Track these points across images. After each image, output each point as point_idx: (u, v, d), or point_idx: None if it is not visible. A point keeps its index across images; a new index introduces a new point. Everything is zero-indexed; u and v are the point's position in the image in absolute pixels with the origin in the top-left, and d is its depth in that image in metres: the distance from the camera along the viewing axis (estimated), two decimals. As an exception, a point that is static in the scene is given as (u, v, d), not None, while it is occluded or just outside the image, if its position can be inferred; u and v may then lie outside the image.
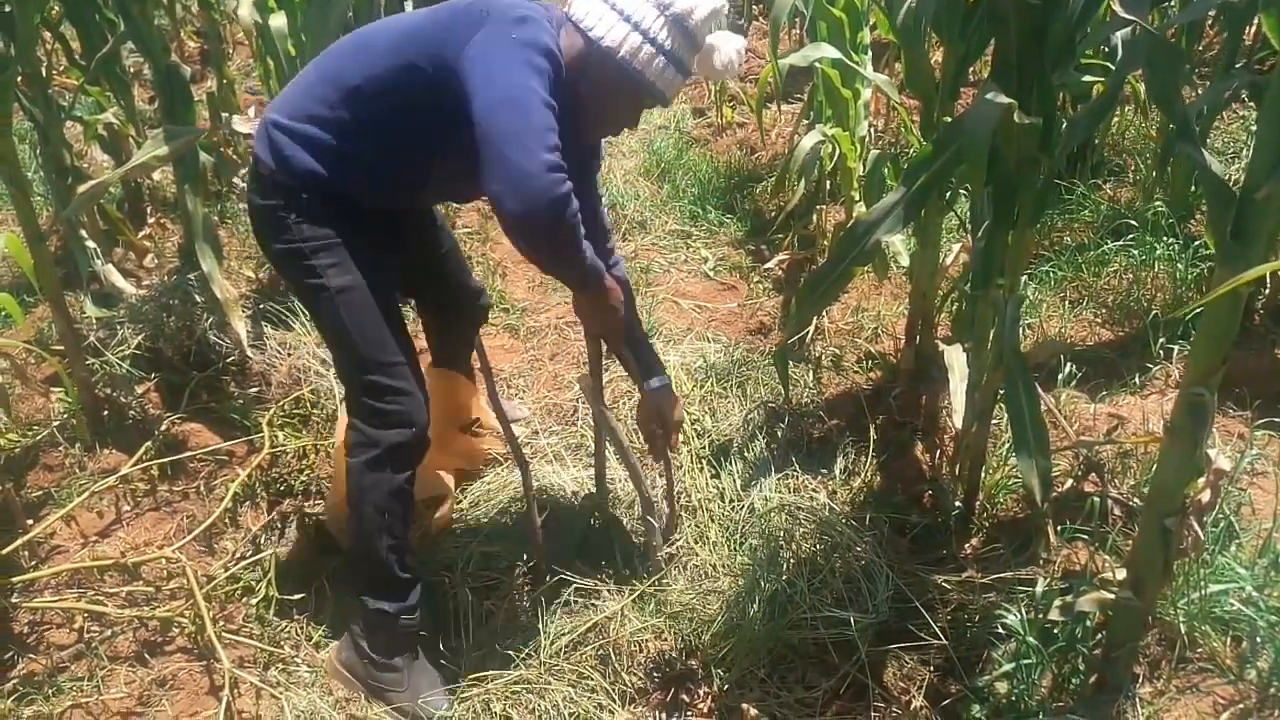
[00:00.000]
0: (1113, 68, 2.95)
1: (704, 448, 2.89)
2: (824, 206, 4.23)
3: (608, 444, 2.60)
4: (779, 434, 2.93)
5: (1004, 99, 1.85)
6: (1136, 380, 3.05)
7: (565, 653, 2.25)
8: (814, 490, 2.69)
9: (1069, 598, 2.08)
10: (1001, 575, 2.36)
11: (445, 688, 2.27)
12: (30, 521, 2.69)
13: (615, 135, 2.32)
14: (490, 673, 2.25)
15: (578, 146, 2.12)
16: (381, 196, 2.23)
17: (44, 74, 3.26)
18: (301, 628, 2.48)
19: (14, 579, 2.48)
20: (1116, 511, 2.53)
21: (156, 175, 4.56)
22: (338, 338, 2.21)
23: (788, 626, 2.26)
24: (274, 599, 2.54)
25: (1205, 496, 2.07)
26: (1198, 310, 1.69)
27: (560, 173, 1.83)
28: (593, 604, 2.38)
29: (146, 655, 2.40)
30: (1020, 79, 2.00)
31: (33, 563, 2.61)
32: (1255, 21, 3.86)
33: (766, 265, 4.14)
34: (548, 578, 2.45)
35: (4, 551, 2.52)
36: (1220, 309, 1.70)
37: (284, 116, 2.13)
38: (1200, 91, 4.26)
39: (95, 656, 2.37)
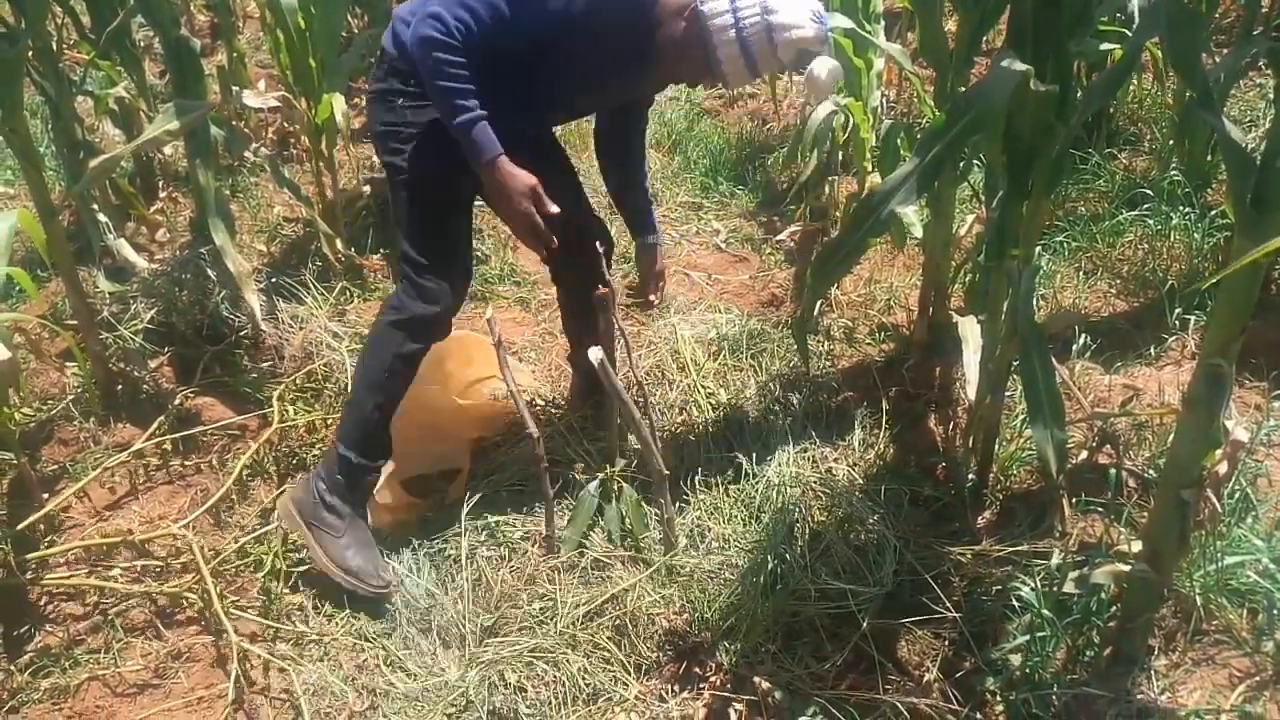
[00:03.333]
0: (1129, 34, 2.91)
1: (719, 420, 2.88)
2: (836, 177, 4.20)
3: (619, 416, 2.60)
4: (794, 406, 2.92)
5: (1020, 66, 1.82)
6: (1152, 351, 3.03)
7: (582, 623, 2.26)
8: (833, 462, 2.68)
9: (1084, 570, 2.07)
10: (1016, 548, 2.35)
11: (378, 567, 2.42)
12: (45, 495, 2.71)
13: (671, 84, 2.61)
14: (506, 639, 2.26)
15: (628, 83, 2.52)
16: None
17: (55, 48, 3.25)
18: (310, 599, 2.49)
19: (27, 556, 2.50)
20: (1132, 483, 2.52)
21: (168, 149, 4.55)
22: (399, 214, 2.49)
23: (791, 599, 2.26)
24: (282, 571, 2.55)
25: (1222, 468, 2.05)
26: (1216, 281, 1.67)
27: (433, 22, 2.16)
28: (606, 576, 2.39)
29: (161, 627, 2.42)
30: (1036, 46, 1.97)
31: (48, 537, 2.63)
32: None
33: (778, 237, 4.12)
34: (561, 549, 2.46)
35: (19, 526, 2.54)
36: (1239, 279, 1.68)
37: (407, 12, 2.33)
38: (1217, 59, 4.21)
39: (111, 629, 2.39)
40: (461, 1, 2.18)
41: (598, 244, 2.59)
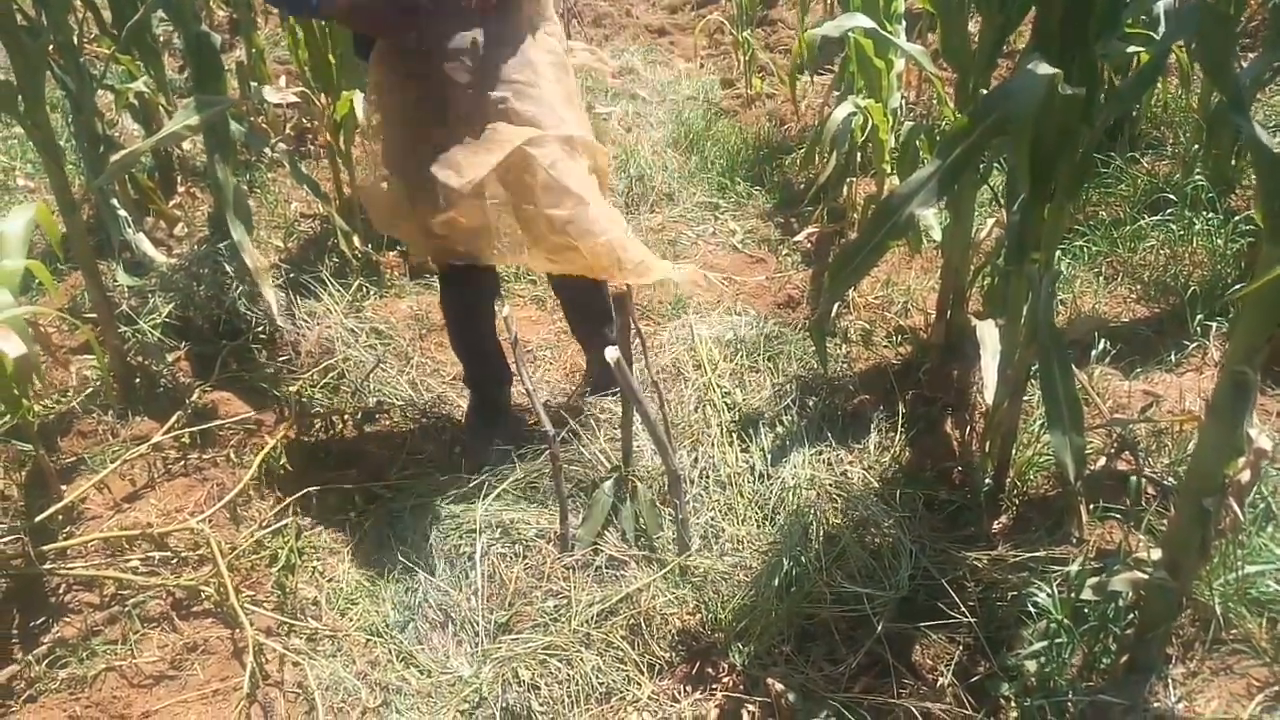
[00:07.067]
0: (1155, 37, 2.89)
1: (734, 421, 2.88)
2: (855, 179, 4.19)
3: (635, 416, 2.59)
4: (810, 408, 2.91)
5: (1048, 69, 1.80)
6: (1172, 358, 3.00)
7: (596, 622, 2.26)
8: (848, 465, 2.67)
9: (1102, 577, 2.05)
10: (1033, 554, 2.33)
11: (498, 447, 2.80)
12: (64, 487, 2.72)
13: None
14: (520, 636, 2.26)
15: None
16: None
17: (75, 43, 3.26)
18: (324, 594, 2.50)
19: (45, 547, 2.51)
20: (1151, 491, 2.50)
21: (187, 144, 4.57)
22: None
23: (805, 601, 2.25)
24: (297, 566, 2.55)
25: (1245, 477, 2.03)
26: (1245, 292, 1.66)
27: None
28: (620, 575, 2.38)
29: (178, 620, 2.43)
30: (1062, 49, 1.96)
31: (66, 528, 2.64)
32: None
33: (795, 238, 4.11)
34: (575, 548, 2.46)
35: (38, 518, 2.55)
36: (1266, 286, 1.66)
37: None
38: (1244, 64, 4.17)
39: (128, 620, 2.40)
40: None
41: None
